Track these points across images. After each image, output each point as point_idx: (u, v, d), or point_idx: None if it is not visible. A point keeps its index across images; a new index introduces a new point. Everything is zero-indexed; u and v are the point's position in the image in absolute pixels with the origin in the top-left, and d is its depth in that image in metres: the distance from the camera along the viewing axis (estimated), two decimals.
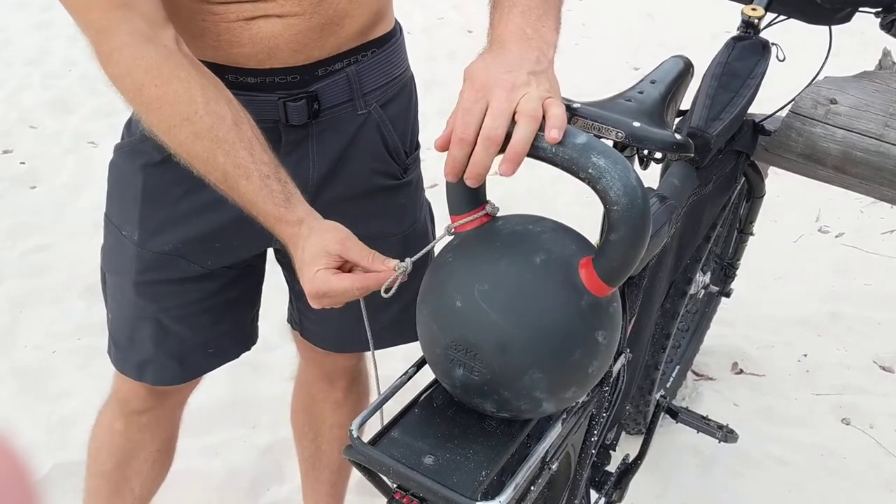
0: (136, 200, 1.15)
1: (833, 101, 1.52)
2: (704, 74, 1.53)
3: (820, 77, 1.58)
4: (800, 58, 1.70)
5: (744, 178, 1.75)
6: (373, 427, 0.91)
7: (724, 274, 1.97)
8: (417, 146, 1.27)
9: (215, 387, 2.01)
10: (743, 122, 1.56)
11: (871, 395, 2.16)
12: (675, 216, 1.28)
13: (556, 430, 0.95)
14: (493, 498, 0.81)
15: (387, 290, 0.87)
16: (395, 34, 1.18)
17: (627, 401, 1.55)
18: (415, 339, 0.94)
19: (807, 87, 1.57)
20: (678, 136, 1.17)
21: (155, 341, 1.22)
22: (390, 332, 1.25)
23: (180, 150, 0.93)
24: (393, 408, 0.91)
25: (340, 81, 1.11)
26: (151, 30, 0.93)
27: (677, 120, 1.49)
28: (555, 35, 0.91)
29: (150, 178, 1.14)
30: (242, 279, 1.25)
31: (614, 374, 1.17)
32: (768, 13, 1.62)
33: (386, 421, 0.90)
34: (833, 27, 1.62)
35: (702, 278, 1.77)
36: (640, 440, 1.51)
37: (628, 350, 1.24)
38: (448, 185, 0.88)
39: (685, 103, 1.48)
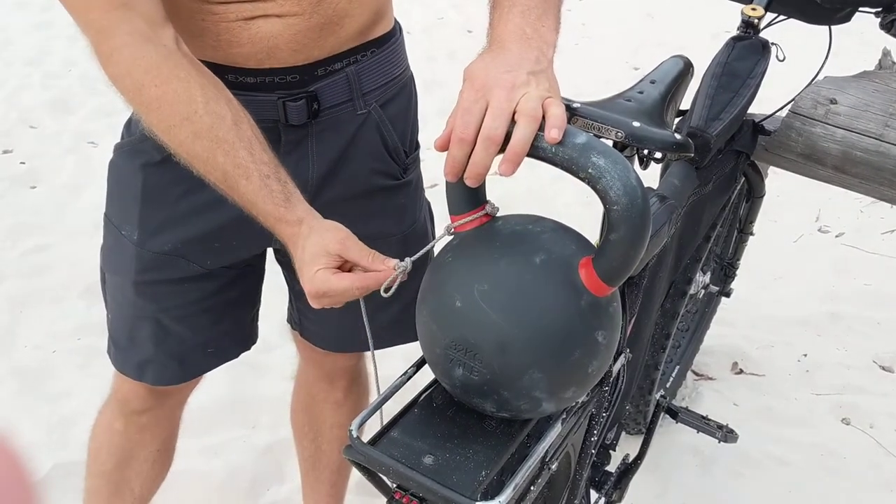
0: (135, 200, 1.15)
1: (833, 101, 1.52)
2: (704, 74, 1.53)
3: (820, 77, 1.58)
4: (800, 58, 1.70)
5: (744, 178, 1.75)
6: (373, 427, 0.91)
7: (724, 274, 1.97)
8: (417, 146, 1.27)
9: (215, 387, 2.01)
10: (743, 122, 1.56)
11: (871, 394, 2.16)
12: (675, 216, 1.28)
13: (556, 430, 0.95)
14: (492, 498, 0.81)
15: (386, 290, 0.87)
16: (395, 34, 1.18)
17: (627, 401, 1.55)
18: (414, 338, 0.94)
19: (807, 86, 1.57)
20: (678, 136, 1.17)
21: (155, 341, 1.22)
22: (390, 332, 1.25)
23: (180, 150, 0.93)
24: (393, 408, 0.91)
25: (340, 81, 1.11)
26: (151, 29, 0.93)
27: (677, 120, 1.49)
28: (554, 35, 0.91)
29: (149, 178, 1.14)
30: (242, 279, 1.25)
31: (614, 374, 1.17)
32: (768, 13, 1.62)
33: (386, 421, 0.90)
34: (833, 27, 1.62)
35: (702, 278, 1.77)
36: (640, 440, 1.51)
37: (628, 350, 1.24)
38: (448, 184, 0.88)
39: (685, 103, 1.48)
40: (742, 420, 2.04)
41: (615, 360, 1.17)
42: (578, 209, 2.81)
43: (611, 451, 1.46)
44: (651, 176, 1.27)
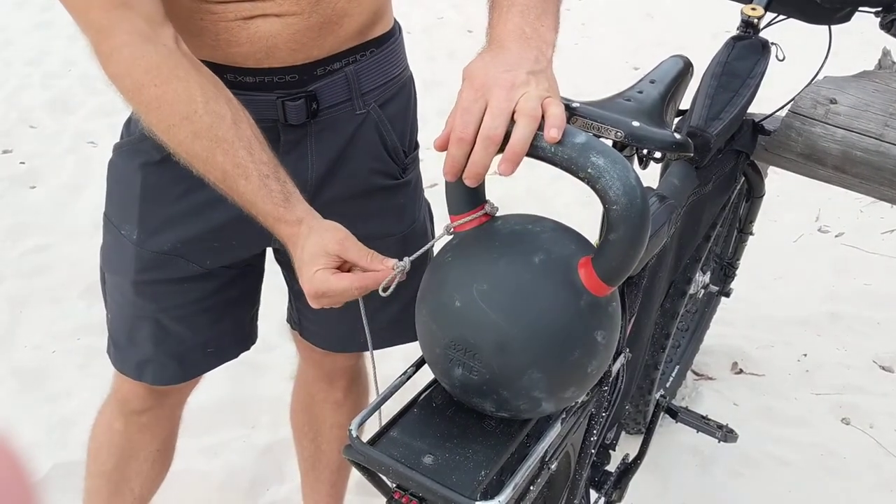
0: (135, 200, 1.15)
1: (833, 101, 1.52)
2: (704, 74, 1.53)
3: (820, 77, 1.58)
4: (799, 57, 1.69)
5: (743, 178, 1.75)
6: (372, 427, 0.91)
7: (724, 274, 1.97)
8: (416, 146, 1.27)
9: (215, 387, 2.01)
10: (743, 122, 1.56)
11: (870, 394, 2.16)
12: (675, 216, 1.28)
13: (556, 430, 0.95)
14: (492, 497, 0.81)
15: (385, 289, 0.87)
16: (394, 34, 1.18)
17: (627, 400, 1.55)
18: (414, 338, 0.94)
19: (806, 86, 1.57)
20: (678, 136, 1.17)
21: (154, 341, 1.22)
22: (389, 332, 1.25)
23: (180, 150, 0.93)
24: (392, 408, 0.91)
25: (339, 81, 1.10)
26: (151, 29, 0.93)
27: (677, 119, 1.49)
28: (553, 34, 0.91)
29: (149, 178, 1.14)
30: (242, 279, 1.25)
31: (614, 374, 1.17)
32: (768, 13, 1.62)
33: (385, 421, 0.90)
34: (833, 27, 1.62)
35: (701, 278, 1.77)
36: (639, 440, 1.51)
37: (628, 350, 1.24)
38: (447, 184, 0.87)
39: (685, 103, 1.48)
40: (742, 420, 2.04)
41: (615, 359, 1.17)
42: (578, 209, 2.81)
43: (610, 451, 1.46)
44: (651, 176, 1.27)
